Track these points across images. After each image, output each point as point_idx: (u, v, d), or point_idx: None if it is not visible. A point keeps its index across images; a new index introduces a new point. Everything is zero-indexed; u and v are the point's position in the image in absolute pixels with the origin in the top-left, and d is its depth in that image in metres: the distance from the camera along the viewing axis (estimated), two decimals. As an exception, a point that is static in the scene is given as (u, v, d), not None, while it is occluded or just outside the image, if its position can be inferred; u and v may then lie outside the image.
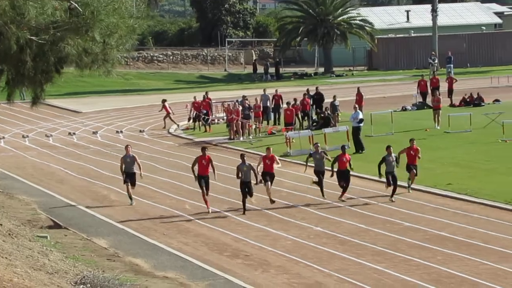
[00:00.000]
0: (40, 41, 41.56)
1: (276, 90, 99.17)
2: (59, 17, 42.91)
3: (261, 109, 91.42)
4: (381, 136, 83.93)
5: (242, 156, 45.52)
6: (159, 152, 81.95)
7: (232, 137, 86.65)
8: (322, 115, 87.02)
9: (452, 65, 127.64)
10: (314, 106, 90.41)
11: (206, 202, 46.90)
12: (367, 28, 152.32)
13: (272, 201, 47.25)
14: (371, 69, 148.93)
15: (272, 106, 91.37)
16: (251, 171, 43.55)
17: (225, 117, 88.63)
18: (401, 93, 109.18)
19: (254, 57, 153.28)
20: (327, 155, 44.00)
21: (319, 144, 51.39)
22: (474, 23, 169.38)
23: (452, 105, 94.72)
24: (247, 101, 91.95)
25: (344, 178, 49.40)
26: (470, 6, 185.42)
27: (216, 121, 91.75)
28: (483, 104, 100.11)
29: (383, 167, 48.05)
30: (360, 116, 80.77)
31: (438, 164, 70.21)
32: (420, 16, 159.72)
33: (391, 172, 44.08)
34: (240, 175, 44.04)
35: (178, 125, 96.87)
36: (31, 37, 42.00)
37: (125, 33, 51.53)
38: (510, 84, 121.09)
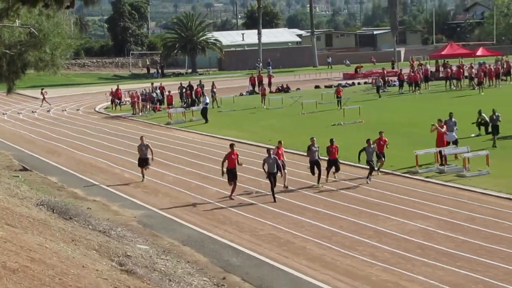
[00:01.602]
0: (11, 53, 43.12)
1: (161, 83, 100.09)
2: (23, 38, 44.36)
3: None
4: (227, 112, 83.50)
5: (268, 150, 38.51)
6: (89, 123, 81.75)
7: (134, 112, 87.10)
8: (190, 98, 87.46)
9: (270, 67, 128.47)
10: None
11: (232, 190, 39.09)
12: (217, 44, 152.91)
13: (286, 187, 41.22)
14: (221, 70, 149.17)
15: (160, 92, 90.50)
16: (275, 164, 37.82)
17: (130, 100, 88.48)
18: (238, 84, 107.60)
19: (148, 63, 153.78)
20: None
21: (315, 139, 43.21)
22: (284, 41, 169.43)
23: (271, 91, 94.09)
24: (147, 90, 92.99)
25: (325, 165, 42.77)
26: (281, 30, 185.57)
27: (124, 103, 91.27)
28: (289, 91, 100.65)
29: (363, 156, 41.03)
30: (207, 100, 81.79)
31: (261, 129, 68.20)
32: (251, 36, 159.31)
33: (371, 160, 40.64)
34: (266, 167, 37.89)
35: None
36: (5, 51, 43.22)
37: (65, 48, 54.17)
38: (306, 79, 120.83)
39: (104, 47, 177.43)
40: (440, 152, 46.34)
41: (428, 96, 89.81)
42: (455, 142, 49.26)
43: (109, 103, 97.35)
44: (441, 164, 45.70)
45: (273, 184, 38.28)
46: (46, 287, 16.80)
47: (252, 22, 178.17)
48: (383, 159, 44.20)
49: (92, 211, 36.45)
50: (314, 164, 41.96)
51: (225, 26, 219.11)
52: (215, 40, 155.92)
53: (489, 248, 29.96)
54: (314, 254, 30.33)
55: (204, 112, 77.13)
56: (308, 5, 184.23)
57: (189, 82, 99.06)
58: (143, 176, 42.56)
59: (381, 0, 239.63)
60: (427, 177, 43.93)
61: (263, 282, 27.03)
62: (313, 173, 42.66)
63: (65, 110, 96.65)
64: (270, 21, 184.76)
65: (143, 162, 39.56)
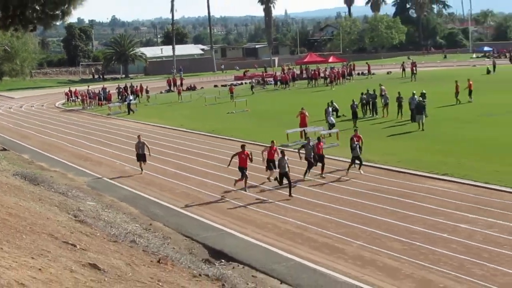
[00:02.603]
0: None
1: (103, 85, 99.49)
2: (0, 53, 43.07)
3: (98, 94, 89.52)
4: (152, 105, 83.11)
5: (282, 152, 31.28)
6: (51, 115, 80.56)
7: (83, 107, 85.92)
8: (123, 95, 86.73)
9: (182, 72, 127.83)
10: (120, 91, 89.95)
11: (245, 184, 31.94)
12: (143, 56, 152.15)
13: (269, 179, 33.00)
14: (146, 75, 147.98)
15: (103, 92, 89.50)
16: (287, 165, 30.51)
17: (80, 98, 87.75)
18: (159, 85, 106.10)
19: (93, 71, 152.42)
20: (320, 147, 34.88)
21: (310, 138, 36.93)
22: (191, 53, 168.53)
23: (183, 90, 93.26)
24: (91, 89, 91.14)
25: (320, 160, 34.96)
26: (189, 46, 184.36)
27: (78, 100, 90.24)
28: (196, 89, 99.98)
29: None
30: (131, 97, 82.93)
31: (177, 117, 67.77)
32: (167, 50, 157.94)
33: (357, 155, 33.94)
34: (279, 167, 30.62)
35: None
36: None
37: (31, 60, 53.25)
38: (207, 80, 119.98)
39: (61, 60, 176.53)
40: (304, 130, 46.92)
41: (295, 91, 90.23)
42: (333, 125, 49.19)
43: (65, 100, 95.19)
44: (304, 140, 46.00)
45: (281, 183, 31.28)
46: (21, 234, 16.67)
47: (168, 40, 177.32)
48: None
49: (54, 179, 35.93)
50: (309, 163, 34.03)
51: (148, 43, 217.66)
52: (141, 53, 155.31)
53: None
54: (221, 207, 30.46)
55: (128, 106, 76.24)
56: (208, 27, 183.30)
57: (125, 84, 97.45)
58: (142, 169, 37.81)
59: (261, 23, 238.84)
60: (295, 149, 44.17)
61: (179, 226, 27.13)
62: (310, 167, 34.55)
63: (33, 106, 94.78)
64: (181, 39, 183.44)
65: (141, 157, 36.48)
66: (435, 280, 19.89)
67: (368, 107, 57.34)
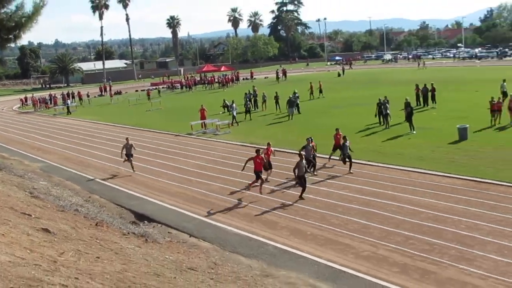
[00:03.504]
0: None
1: (50, 93, 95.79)
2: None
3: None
4: (91, 106, 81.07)
5: (300, 155, 25.01)
6: (10, 116, 77.68)
7: (34, 110, 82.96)
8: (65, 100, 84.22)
9: (110, 81, 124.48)
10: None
11: (260, 188, 25.24)
12: (80, 70, 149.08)
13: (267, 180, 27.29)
14: (83, 84, 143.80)
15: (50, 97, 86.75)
16: (305, 168, 24.66)
17: (32, 102, 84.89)
18: (93, 91, 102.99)
19: (42, 82, 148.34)
20: (314, 148, 28.79)
21: (311, 139, 28.89)
22: (117, 66, 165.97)
23: (111, 94, 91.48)
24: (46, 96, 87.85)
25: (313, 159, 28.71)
26: (116, 61, 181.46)
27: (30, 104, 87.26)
28: (122, 93, 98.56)
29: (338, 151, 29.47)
30: (69, 101, 79.78)
31: (108, 114, 66.60)
32: (99, 65, 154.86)
33: (347, 153, 28.40)
34: (298, 170, 24.06)
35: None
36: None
37: None
38: (130, 87, 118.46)
39: (16, 74, 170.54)
40: (203, 122, 47.00)
41: (196, 93, 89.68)
42: (234, 117, 48.88)
43: (20, 105, 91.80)
44: (204, 129, 46.28)
45: (305, 186, 24.41)
46: (-13, 208, 16.30)
47: (99, 56, 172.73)
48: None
49: (13, 165, 34.91)
50: (309, 162, 27.49)
51: (84, 59, 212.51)
52: (79, 67, 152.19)
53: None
54: (143, 181, 30.23)
55: (67, 108, 74.44)
56: (130, 47, 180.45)
57: (68, 91, 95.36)
58: (132, 168, 32.20)
59: (170, 42, 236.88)
60: (198, 136, 44.29)
61: (112, 198, 26.84)
62: (308, 167, 27.44)
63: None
64: (109, 56, 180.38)
65: (129, 157, 31.81)
66: (304, 230, 20.34)
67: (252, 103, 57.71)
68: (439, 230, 19.20)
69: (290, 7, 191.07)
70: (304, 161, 24.05)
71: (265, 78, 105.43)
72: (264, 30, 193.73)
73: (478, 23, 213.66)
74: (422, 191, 23.94)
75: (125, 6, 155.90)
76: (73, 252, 13.66)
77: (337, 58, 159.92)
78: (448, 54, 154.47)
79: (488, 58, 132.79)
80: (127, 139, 32.36)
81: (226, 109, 56.02)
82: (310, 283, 15.54)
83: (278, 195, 25.06)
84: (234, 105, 50.20)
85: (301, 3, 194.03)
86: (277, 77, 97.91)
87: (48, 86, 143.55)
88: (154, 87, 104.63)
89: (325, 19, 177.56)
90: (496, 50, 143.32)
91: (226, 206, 24.12)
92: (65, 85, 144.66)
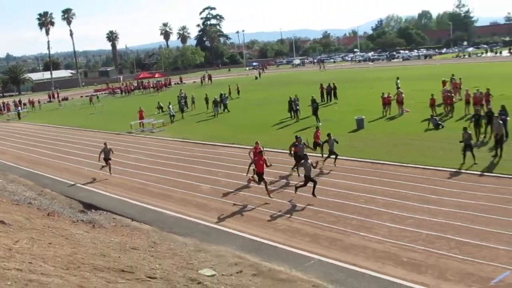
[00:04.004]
0: None
1: (3, 101, 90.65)
2: None
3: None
4: (39, 112, 78.44)
5: (305, 156, 21.29)
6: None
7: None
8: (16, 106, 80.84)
9: (58, 89, 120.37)
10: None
11: (267, 190, 21.49)
12: (31, 79, 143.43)
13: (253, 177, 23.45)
14: (33, 92, 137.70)
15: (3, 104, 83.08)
16: (311, 168, 20.75)
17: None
18: (43, 98, 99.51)
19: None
20: (307, 144, 25.68)
21: (301, 138, 25.53)
22: (64, 76, 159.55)
23: (59, 100, 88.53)
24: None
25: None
26: (62, 71, 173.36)
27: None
28: (68, 99, 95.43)
29: (326, 146, 25.83)
30: (19, 108, 76.40)
31: (59, 118, 63.88)
32: (47, 75, 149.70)
33: (332, 150, 25.33)
34: (304, 170, 20.63)
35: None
36: None
37: None
38: (75, 93, 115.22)
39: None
40: (141, 122, 46.38)
41: (134, 97, 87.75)
42: (173, 116, 48.53)
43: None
44: (142, 128, 45.64)
45: (306, 185, 20.90)
46: None
47: (47, 67, 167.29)
48: (322, 145, 27.05)
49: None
50: (301, 159, 22.96)
51: (33, 70, 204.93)
52: (29, 77, 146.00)
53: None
54: (89, 174, 29.53)
55: (18, 114, 71.27)
56: (74, 58, 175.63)
57: (19, 99, 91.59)
58: (110, 171, 28.35)
59: (110, 53, 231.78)
60: (136, 134, 43.64)
61: (62, 191, 26.04)
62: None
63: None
64: (56, 66, 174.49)
65: (107, 161, 28.19)
66: (230, 209, 20.40)
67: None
68: (342, 205, 19.58)
69: (213, 21, 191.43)
70: (310, 162, 20.45)
71: (193, 82, 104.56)
72: (192, 41, 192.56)
73: (370, 32, 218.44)
74: (327, 172, 24.36)
75: (69, 23, 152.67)
76: (27, 240, 13.25)
77: (254, 63, 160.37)
78: (346, 58, 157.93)
79: (379, 60, 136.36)
80: (105, 143, 28.59)
81: (160, 110, 55.55)
82: (237, 255, 15.56)
83: (208, 181, 24.96)
84: (171, 106, 49.72)
85: (222, 18, 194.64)
86: (202, 82, 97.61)
87: (1, 95, 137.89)
88: (97, 93, 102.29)
89: (243, 31, 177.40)
90: (386, 54, 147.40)
91: (163, 193, 23.84)
92: (17, 93, 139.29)
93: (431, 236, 15.87)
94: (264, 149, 24.56)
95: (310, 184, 20.44)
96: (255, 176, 21.89)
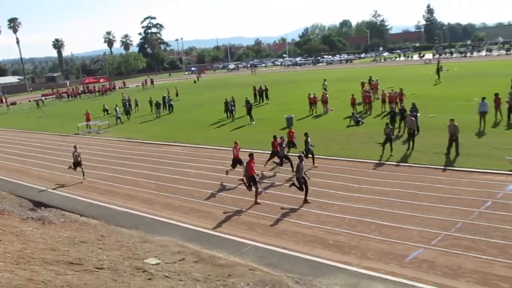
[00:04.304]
0: None
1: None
2: None
3: None
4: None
5: (300, 157, 18.93)
6: None
7: None
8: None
9: (6, 94, 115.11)
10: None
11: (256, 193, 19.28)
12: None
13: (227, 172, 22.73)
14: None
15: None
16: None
17: None
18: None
19: None
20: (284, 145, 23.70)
21: (284, 137, 24.20)
22: (12, 81, 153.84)
23: (11, 104, 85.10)
24: None
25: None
26: (9, 77, 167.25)
27: None
28: (17, 103, 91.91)
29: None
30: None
31: (9, 123, 61.84)
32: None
33: (309, 148, 23.50)
34: (298, 172, 18.60)
35: None
36: None
37: None
38: (22, 98, 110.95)
39: None
40: (88, 124, 45.29)
41: (80, 101, 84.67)
42: (119, 118, 47.29)
43: None
44: (89, 129, 44.55)
45: (302, 188, 18.67)
46: None
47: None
48: (296, 145, 25.61)
49: None
50: (283, 157, 23.30)
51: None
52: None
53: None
54: (38, 175, 28.52)
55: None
56: (21, 64, 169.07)
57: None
58: (83, 174, 25.85)
59: (56, 60, 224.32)
60: (83, 135, 42.53)
61: (12, 190, 24.93)
62: (281, 164, 23.58)
63: None
64: (3, 73, 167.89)
65: (77, 164, 25.72)
66: (173, 203, 20.17)
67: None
68: (276, 195, 19.76)
69: (154, 30, 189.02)
70: (303, 163, 18.83)
71: (136, 86, 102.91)
72: (134, 48, 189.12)
73: (297, 39, 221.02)
74: (262, 167, 24.47)
75: (15, 31, 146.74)
76: (-22, 238, 12.68)
77: (192, 68, 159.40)
78: (276, 62, 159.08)
79: (306, 64, 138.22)
80: (75, 147, 26.33)
81: (106, 112, 54.39)
82: (180, 244, 15.46)
83: (152, 178, 24.61)
84: (117, 108, 48.79)
85: (162, 26, 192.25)
86: (143, 86, 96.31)
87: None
88: (44, 98, 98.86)
89: (182, 38, 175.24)
90: (312, 59, 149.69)
91: (110, 190, 23.33)
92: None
93: (354, 221, 16.24)
94: (211, 147, 24.48)
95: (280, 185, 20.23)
96: (244, 178, 19.51)
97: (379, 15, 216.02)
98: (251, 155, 19.50)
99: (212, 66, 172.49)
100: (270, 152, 24.43)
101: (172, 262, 13.77)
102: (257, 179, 19.38)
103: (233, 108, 41.97)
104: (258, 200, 19.02)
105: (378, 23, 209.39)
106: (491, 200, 16.82)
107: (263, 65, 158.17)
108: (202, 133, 36.38)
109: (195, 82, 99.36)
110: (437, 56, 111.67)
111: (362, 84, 47.25)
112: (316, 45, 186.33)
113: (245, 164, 19.65)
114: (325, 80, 53.65)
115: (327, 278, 12.61)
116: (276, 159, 23.95)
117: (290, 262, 13.69)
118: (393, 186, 19.18)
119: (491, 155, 22.25)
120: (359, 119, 34.10)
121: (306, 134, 23.67)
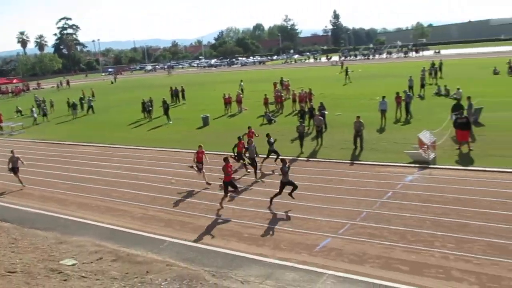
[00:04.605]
0: None
1: None
2: None
3: None
4: None
5: (283, 160, 17.05)
6: None
7: None
8: None
9: None
10: None
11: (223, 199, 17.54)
12: None
13: (208, 183, 20.36)
14: None
15: None
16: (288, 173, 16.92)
17: None
18: None
19: None
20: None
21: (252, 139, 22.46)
22: None
23: None
24: None
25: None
26: None
27: None
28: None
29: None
30: None
31: None
32: None
33: (273, 149, 21.95)
34: (282, 175, 16.77)
35: None
36: None
37: None
38: None
39: None
40: (0, 126, 42.81)
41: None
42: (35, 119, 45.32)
43: None
44: (1, 131, 42.05)
45: (281, 193, 16.91)
46: None
47: None
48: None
49: None
50: (253, 160, 20.95)
51: None
52: None
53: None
54: None
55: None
56: None
57: None
58: (21, 182, 22.94)
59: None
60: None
61: None
62: (253, 166, 21.02)
63: None
64: None
65: (15, 170, 22.82)
66: (89, 203, 19.46)
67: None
68: (191, 192, 19.55)
69: (70, 30, 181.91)
70: (287, 166, 16.95)
71: (51, 87, 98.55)
72: (50, 49, 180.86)
73: (213, 41, 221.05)
74: (178, 164, 24.22)
75: None
76: None
77: (110, 70, 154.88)
78: (193, 64, 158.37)
79: (221, 66, 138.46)
80: (12, 151, 23.37)
81: (19, 114, 51.58)
82: (97, 244, 14.93)
83: (68, 178, 23.60)
84: (34, 109, 46.83)
85: (78, 27, 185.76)
86: (58, 87, 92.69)
87: None
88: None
89: (98, 40, 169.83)
90: (227, 60, 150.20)
91: (23, 191, 22.14)
92: None
93: (267, 214, 16.39)
94: (129, 146, 23.80)
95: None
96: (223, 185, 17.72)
97: (289, 20, 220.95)
98: (226, 159, 17.40)
99: (129, 68, 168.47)
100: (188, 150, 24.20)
101: (89, 262, 13.31)
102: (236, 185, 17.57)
103: (150, 108, 41.29)
104: (223, 204, 17.42)
105: (289, 27, 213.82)
106: (392, 190, 17.56)
107: (180, 66, 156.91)
108: (119, 133, 35.42)
109: (112, 83, 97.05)
110: (342, 58, 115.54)
111: (274, 85, 47.96)
112: (231, 47, 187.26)
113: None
114: (241, 81, 54.01)
115: (243, 269, 12.63)
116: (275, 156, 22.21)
117: (207, 256, 13.57)
118: (303, 180, 19.51)
119: (392, 149, 23.24)
120: (271, 117, 34.57)
121: (268, 135, 22.55)
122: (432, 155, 20.97)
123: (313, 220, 15.42)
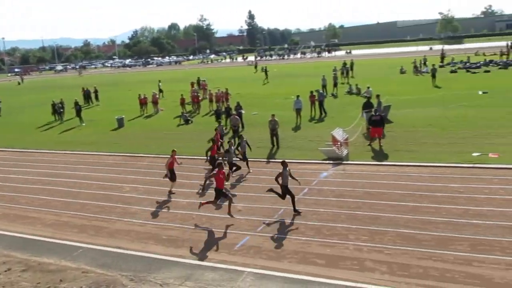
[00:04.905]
0: None
1: None
2: None
3: None
4: None
5: (283, 163, 15.72)
6: None
7: None
8: None
9: None
10: None
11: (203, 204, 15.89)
12: None
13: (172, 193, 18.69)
14: None
15: None
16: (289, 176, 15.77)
17: None
18: None
19: None
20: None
21: (232, 141, 22.09)
22: None
23: None
24: None
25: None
26: None
27: None
28: None
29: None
30: None
31: None
32: None
33: (244, 153, 21.05)
34: (280, 180, 15.64)
35: None
36: None
37: None
38: None
39: None
40: None
41: None
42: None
43: None
44: None
45: (284, 197, 15.88)
46: None
47: None
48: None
49: None
50: (232, 165, 19.81)
51: None
52: None
53: None
54: None
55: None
56: None
57: None
58: None
59: None
60: None
61: None
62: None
63: None
64: None
65: None
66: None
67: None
68: (107, 195, 19.01)
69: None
70: (286, 170, 15.77)
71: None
72: None
73: (127, 40, 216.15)
74: (94, 168, 23.48)
75: None
76: None
77: (16, 70, 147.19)
78: (106, 64, 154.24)
79: (136, 66, 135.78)
80: None
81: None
82: (5, 254, 14.10)
83: (-29, 186, 22.13)
84: None
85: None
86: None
87: None
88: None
89: (3, 38, 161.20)
90: (142, 60, 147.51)
91: None
92: None
93: (186, 215, 16.23)
94: (40, 150, 22.66)
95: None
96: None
97: (205, 19, 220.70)
98: (219, 164, 16.00)
99: (38, 68, 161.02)
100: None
101: (-4, 274, 12.53)
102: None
103: (61, 110, 39.70)
104: (205, 205, 16.02)
105: (205, 27, 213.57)
106: (308, 187, 17.97)
107: (93, 66, 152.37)
108: (29, 136, 33.72)
109: (19, 83, 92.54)
110: (258, 58, 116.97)
111: (192, 85, 47.67)
112: (146, 47, 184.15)
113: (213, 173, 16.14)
114: (159, 81, 53.26)
115: (162, 272, 12.42)
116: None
117: (125, 261, 13.20)
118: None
119: (307, 147, 23.83)
120: (188, 118, 34.36)
121: (241, 137, 21.79)
122: (345, 152, 21.72)
123: (231, 219, 15.47)
